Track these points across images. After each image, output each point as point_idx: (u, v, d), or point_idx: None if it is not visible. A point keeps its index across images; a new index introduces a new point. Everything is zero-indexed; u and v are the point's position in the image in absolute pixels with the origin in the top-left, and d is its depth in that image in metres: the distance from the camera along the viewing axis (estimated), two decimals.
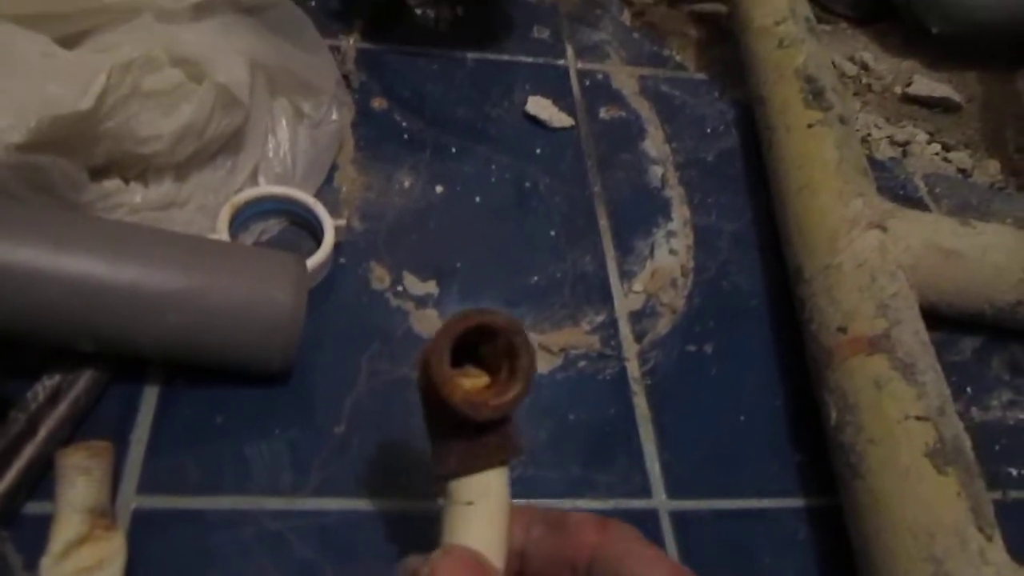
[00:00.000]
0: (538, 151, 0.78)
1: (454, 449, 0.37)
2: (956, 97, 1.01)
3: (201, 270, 0.52)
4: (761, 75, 0.82)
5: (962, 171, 0.91)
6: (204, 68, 0.58)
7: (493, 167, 0.75)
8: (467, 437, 0.36)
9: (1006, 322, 0.70)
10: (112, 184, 0.58)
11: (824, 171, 0.70)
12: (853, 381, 0.58)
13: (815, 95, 0.77)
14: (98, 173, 0.58)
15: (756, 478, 0.60)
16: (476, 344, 0.37)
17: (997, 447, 0.65)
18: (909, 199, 0.83)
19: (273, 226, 0.66)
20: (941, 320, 0.70)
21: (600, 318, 0.67)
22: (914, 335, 0.60)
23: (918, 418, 0.55)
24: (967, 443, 0.55)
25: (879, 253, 0.64)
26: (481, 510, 0.36)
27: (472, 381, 0.37)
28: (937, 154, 0.93)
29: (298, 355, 0.57)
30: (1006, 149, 0.96)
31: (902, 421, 0.55)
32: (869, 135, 0.94)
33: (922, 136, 0.95)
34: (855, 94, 1.00)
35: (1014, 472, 0.64)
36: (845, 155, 0.72)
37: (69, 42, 0.56)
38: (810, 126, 0.74)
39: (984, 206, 0.84)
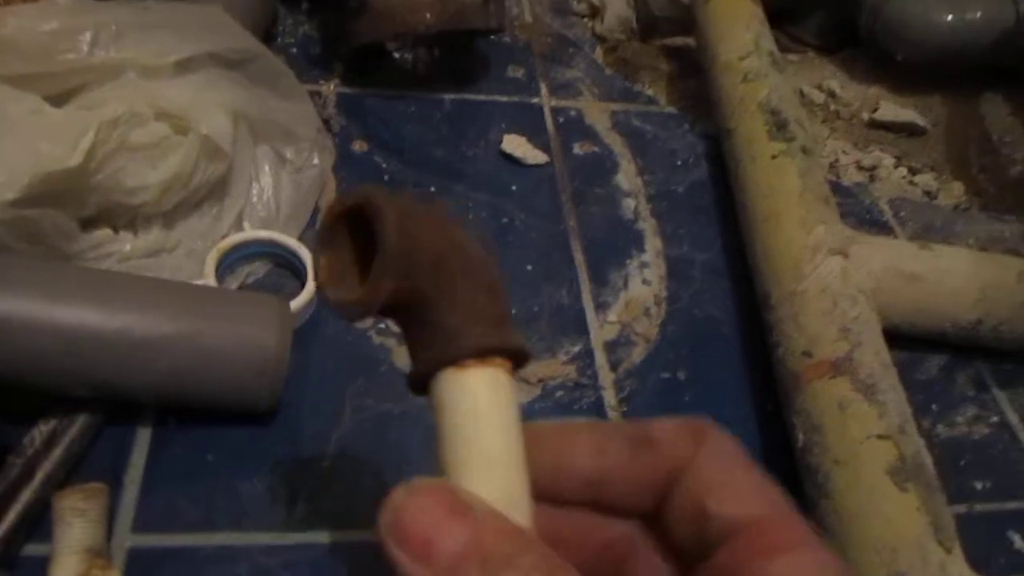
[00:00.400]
0: (514, 188, 0.81)
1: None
2: (921, 121, 1.04)
3: (189, 315, 0.54)
4: (727, 108, 0.85)
5: (927, 193, 0.95)
6: (188, 121, 0.61)
7: (471, 205, 0.78)
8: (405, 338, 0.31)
9: (968, 341, 0.72)
10: (102, 234, 0.60)
11: (788, 201, 0.73)
12: (818, 403, 0.61)
13: (778, 127, 0.80)
14: (89, 223, 0.61)
15: None
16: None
17: (963, 462, 0.67)
18: (875, 223, 0.86)
19: (259, 269, 0.69)
20: (906, 340, 0.72)
21: (576, 349, 0.70)
22: (875, 356, 0.63)
23: (880, 437, 0.57)
24: (927, 459, 0.58)
25: (841, 278, 0.67)
26: (459, 426, 0.28)
27: None
28: (904, 177, 0.96)
29: (285, 393, 0.59)
30: (970, 170, 1.00)
31: (865, 441, 0.57)
32: (837, 161, 0.97)
33: (888, 160, 0.98)
34: (823, 121, 1.04)
35: (979, 485, 0.66)
36: (808, 184, 0.75)
37: (58, 100, 0.58)
38: (774, 157, 0.77)
39: (947, 228, 0.87)
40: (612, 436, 0.31)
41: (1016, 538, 0.64)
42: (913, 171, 0.97)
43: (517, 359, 0.31)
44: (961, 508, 0.64)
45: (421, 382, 0.29)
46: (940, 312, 0.71)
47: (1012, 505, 0.65)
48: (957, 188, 0.96)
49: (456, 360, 0.28)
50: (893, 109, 1.05)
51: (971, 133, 1.04)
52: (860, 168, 0.97)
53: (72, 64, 0.57)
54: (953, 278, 0.71)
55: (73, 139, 0.54)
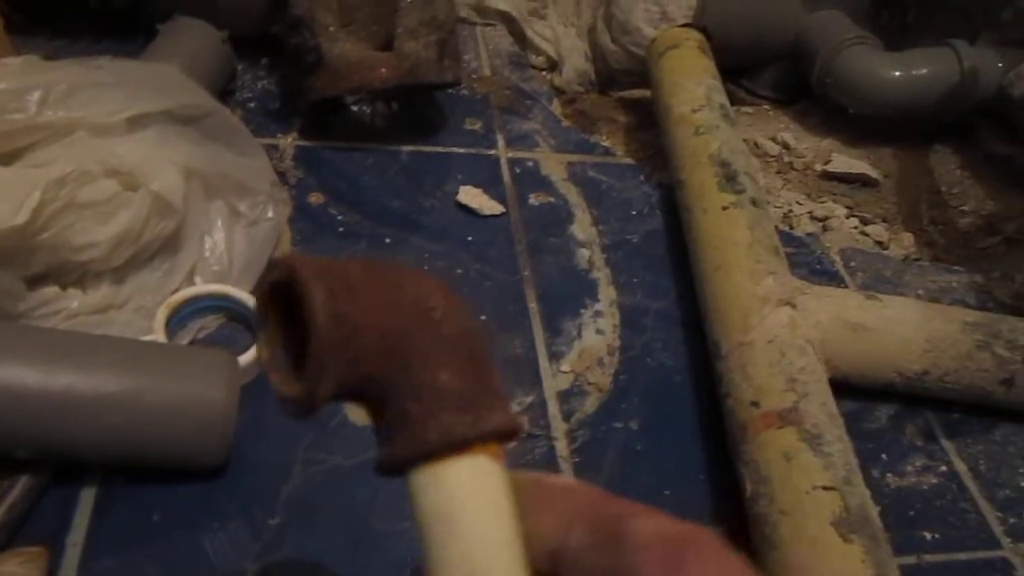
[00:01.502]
0: (470, 239, 0.82)
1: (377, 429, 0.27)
2: (873, 173, 1.07)
3: (134, 372, 0.54)
4: (680, 160, 0.87)
5: (879, 243, 0.97)
6: (138, 177, 0.61)
7: (426, 256, 0.79)
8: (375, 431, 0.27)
9: (916, 390, 0.73)
10: (50, 291, 0.60)
11: (737, 251, 0.75)
12: (765, 454, 0.61)
13: (728, 179, 0.81)
14: (36, 281, 0.61)
15: None
16: None
17: (912, 512, 0.68)
18: (826, 273, 0.87)
19: (211, 323, 0.69)
20: (856, 390, 0.74)
21: (530, 399, 0.70)
22: (822, 407, 0.64)
23: (825, 488, 0.58)
24: (873, 510, 0.58)
25: (789, 329, 0.68)
26: (435, 532, 0.25)
27: None
28: (856, 228, 0.99)
29: (235, 448, 0.59)
30: (920, 222, 1.02)
31: (810, 491, 0.58)
32: (791, 211, 1.00)
33: (841, 211, 1.01)
34: (777, 172, 1.06)
35: (928, 536, 0.67)
36: (757, 236, 0.76)
37: (7, 159, 0.58)
38: (725, 208, 0.79)
39: (897, 278, 0.89)
40: (580, 519, 0.26)
41: None
42: (865, 222, 0.99)
43: (502, 437, 0.26)
44: (911, 559, 0.65)
45: (391, 473, 0.26)
46: (887, 363, 0.72)
47: (961, 556, 0.65)
48: (907, 239, 0.98)
49: (424, 456, 0.25)
50: (846, 161, 1.08)
51: (922, 185, 1.07)
52: (813, 218, 0.99)
53: (20, 124, 0.57)
54: (900, 328, 0.72)
55: (19, 198, 0.54)
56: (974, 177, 1.06)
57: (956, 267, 0.93)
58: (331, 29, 0.80)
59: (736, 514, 0.64)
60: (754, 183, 0.83)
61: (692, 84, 0.93)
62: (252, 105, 0.90)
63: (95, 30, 0.93)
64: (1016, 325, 0.74)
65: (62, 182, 0.57)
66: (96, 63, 0.63)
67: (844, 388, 0.72)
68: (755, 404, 0.64)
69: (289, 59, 0.81)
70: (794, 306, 0.70)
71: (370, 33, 0.85)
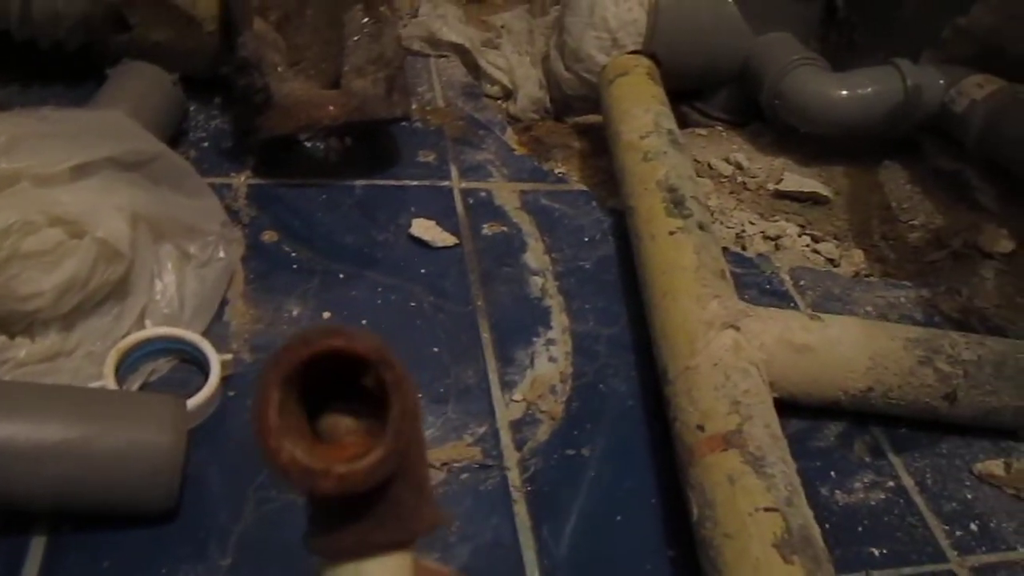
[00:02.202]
0: (423, 271, 0.83)
1: (321, 521, 0.28)
2: (824, 191, 1.09)
3: (80, 421, 0.55)
4: (629, 186, 0.89)
5: (830, 261, 0.98)
6: (84, 225, 0.62)
7: (380, 290, 0.80)
8: (336, 510, 0.27)
9: (862, 407, 0.75)
10: None
11: (683, 277, 0.76)
12: (710, 477, 0.62)
13: (676, 204, 0.83)
14: None
15: None
16: (356, 374, 0.28)
17: (860, 528, 0.69)
18: (775, 293, 0.89)
19: (163, 366, 0.69)
20: (803, 409, 0.75)
21: (482, 429, 0.71)
22: (765, 429, 0.65)
23: (767, 509, 0.59)
24: (815, 530, 0.59)
25: (733, 352, 0.70)
26: None
27: (354, 423, 0.28)
28: (807, 246, 1.00)
29: (186, 491, 0.59)
30: (871, 237, 1.04)
31: (753, 513, 0.59)
32: (744, 231, 1.01)
33: (793, 229, 1.02)
34: (730, 192, 1.08)
35: (876, 552, 0.68)
36: (703, 260, 0.77)
37: None
38: (672, 233, 0.80)
39: (846, 295, 0.91)
40: None
41: None
42: (816, 240, 1.01)
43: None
44: None
45: (327, 557, 0.28)
46: (832, 381, 0.73)
47: (908, 570, 0.67)
48: (858, 256, 1.00)
49: (405, 544, 0.27)
50: (797, 179, 1.10)
51: (872, 201, 1.09)
52: (766, 238, 1.00)
53: None
54: (843, 348, 0.73)
55: None
56: (923, 192, 1.08)
57: (905, 282, 0.94)
58: (279, 69, 0.82)
59: (687, 537, 0.65)
60: (701, 207, 0.84)
61: (640, 111, 0.95)
62: (206, 144, 0.91)
63: (45, 75, 0.94)
64: (957, 340, 0.75)
65: (6, 233, 0.58)
66: (40, 114, 0.64)
67: (791, 408, 0.74)
68: (700, 428, 0.65)
69: (239, 99, 0.82)
70: (738, 329, 0.71)
71: (319, 71, 0.86)
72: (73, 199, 0.62)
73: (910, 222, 1.05)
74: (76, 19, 0.86)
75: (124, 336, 0.66)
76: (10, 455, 0.52)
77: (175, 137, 0.89)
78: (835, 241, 1.01)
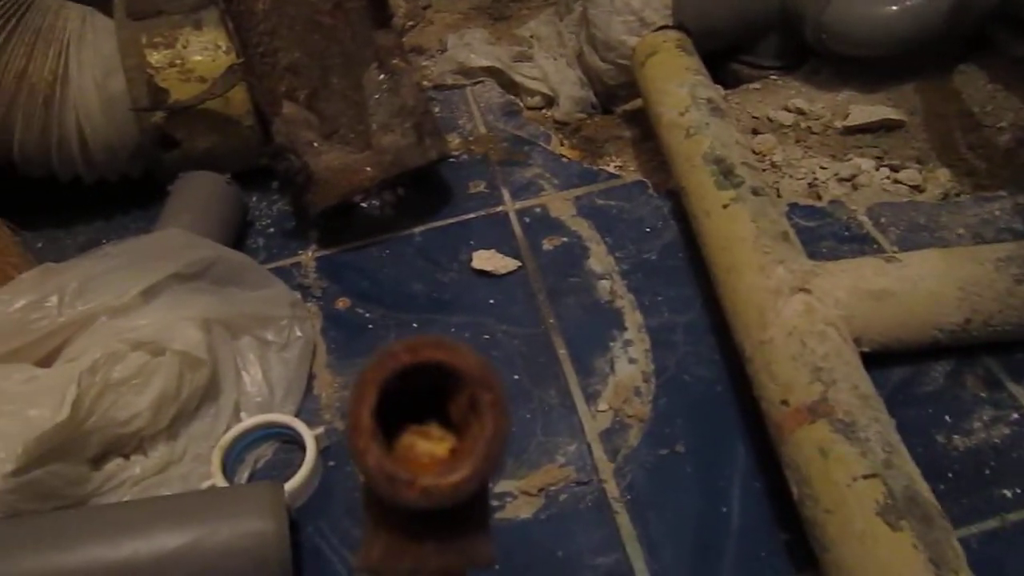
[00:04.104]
0: (491, 302, 0.84)
1: (381, 536, 0.27)
2: (896, 114, 1.02)
3: (187, 525, 0.59)
4: (677, 167, 0.87)
5: (914, 188, 0.92)
6: (162, 343, 0.67)
7: (453, 330, 0.82)
8: (399, 525, 0.27)
9: (964, 341, 0.70)
10: (114, 465, 0.67)
11: (743, 248, 0.74)
12: (802, 452, 0.60)
13: (725, 175, 0.81)
14: (101, 459, 0.67)
15: (749, 567, 0.62)
16: (445, 392, 0.28)
17: (987, 471, 0.65)
18: (854, 238, 0.85)
19: (266, 451, 0.74)
20: (903, 356, 0.71)
21: (572, 447, 0.71)
22: (852, 391, 0.62)
23: (865, 477, 0.56)
24: (922, 488, 0.56)
25: (806, 316, 0.67)
26: None
27: (430, 446, 0.28)
28: (887, 177, 0.95)
29: (304, 566, 0.63)
30: (957, 151, 0.97)
31: (851, 484, 0.56)
32: (815, 179, 0.97)
33: (868, 164, 0.97)
34: (796, 142, 1.03)
35: (1008, 493, 0.63)
36: (762, 226, 0.75)
37: (46, 362, 0.65)
38: (725, 206, 0.78)
39: (933, 222, 0.85)
40: None
41: None
42: (895, 169, 0.95)
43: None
44: (992, 523, 0.61)
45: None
46: (922, 322, 0.69)
47: None
48: (943, 175, 0.93)
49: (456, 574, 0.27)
50: (865, 110, 1.04)
51: (951, 112, 1.02)
52: (840, 180, 0.95)
53: (46, 329, 0.64)
54: (927, 283, 0.69)
55: (58, 396, 0.61)
56: (1006, 88, 1.00)
57: (999, 192, 0.87)
58: (315, 144, 0.85)
59: (799, 519, 0.63)
60: (753, 171, 0.81)
61: (675, 87, 0.93)
62: (271, 230, 0.96)
63: (122, 206, 1.02)
64: None
65: (94, 369, 0.64)
66: (102, 251, 0.70)
67: (888, 358, 0.70)
68: (784, 402, 0.63)
69: (284, 183, 0.86)
70: (808, 291, 0.69)
71: (357, 134, 0.89)
72: (147, 321, 0.68)
73: (997, 125, 0.97)
74: (131, 149, 0.93)
75: (224, 432, 0.71)
76: (135, 570, 0.57)
77: (242, 230, 0.95)
78: (917, 165, 0.95)
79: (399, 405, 0.27)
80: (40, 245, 0.99)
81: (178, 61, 0.92)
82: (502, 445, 0.26)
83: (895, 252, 0.79)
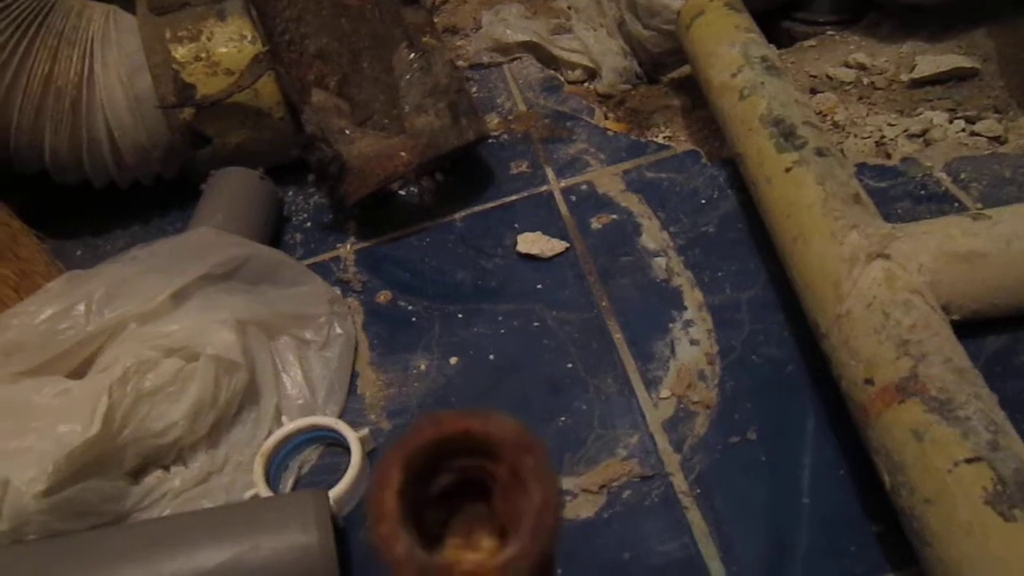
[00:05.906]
0: (539, 287, 0.79)
1: None
2: (968, 63, 0.94)
3: (228, 541, 0.56)
4: (733, 132, 0.80)
5: (994, 139, 0.84)
6: (195, 347, 0.64)
7: (500, 319, 0.77)
8: None
9: None
10: (153, 478, 0.64)
11: (811, 214, 0.67)
12: (893, 436, 0.54)
13: (786, 136, 0.74)
14: (140, 472, 0.64)
15: (836, 563, 0.56)
16: (484, 472, 0.25)
17: None
18: (932, 198, 0.77)
19: (311, 455, 0.70)
20: (998, 323, 0.64)
21: (634, 439, 0.66)
22: (946, 364, 0.55)
23: (968, 461, 0.50)
24: None
25: (887, 285, 0.60)
26: None
27: (479, 558, 0.25)
28: (963, 130, 0.87)
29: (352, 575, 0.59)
30: None
31: (952, 469, 0.50)
32: (883, 137, 0.89)
33: (940, 117, 0.89)
34: (859, 99, 0.96)
35: None
36: (830, 189, 0.68)
37: (77, 374, 0.63)
38: (788, 170, 0.72)
39: (1020, 175, 0.77)
40: None
41: None
42: (971, 120, 0.87)
43: None
44: None
45: None
46: (1019, 284, 0.62)
47: None
48: None
49: None
50: (933, 60, 0.95)
51: None
52: (910, 136, 0.88)
53: (75, 339, 0.61)
54: (1021, 241, 0.62)
55: (89, 410, 0.58)
56: None
57: None
58: (347, 132, 0.81)
59: (891, 508, 0.57)
60: (817, 131, 0.75)
61: (725, 48, 0.86)
62: (308, 225, 0.93)
63: (158, 207, 1.00)
64: None
65: (125, 379, 0.60)
66: (129, 256, 0.67)
67: (982, 326, 0.63)
68: (869, 381, 0.57)
69: (318, 174, 0.82)
70: (888, 256, 0.62)
71: (392, 119, 0.85)
72: (179, 326, 0.64)
73: None
74: (162, 148, 0.90)
75: (265, 439, 0.68)
76: None
77: (278, 226, 0.91)
78: (996, 115, 0.87)
79: (439, 511, 0.24)
80: (79, 252, 0.97)
81: (203, 54, 0.89)
82: (554, 515, 0.22)
83: (980, 209, 0.72)
